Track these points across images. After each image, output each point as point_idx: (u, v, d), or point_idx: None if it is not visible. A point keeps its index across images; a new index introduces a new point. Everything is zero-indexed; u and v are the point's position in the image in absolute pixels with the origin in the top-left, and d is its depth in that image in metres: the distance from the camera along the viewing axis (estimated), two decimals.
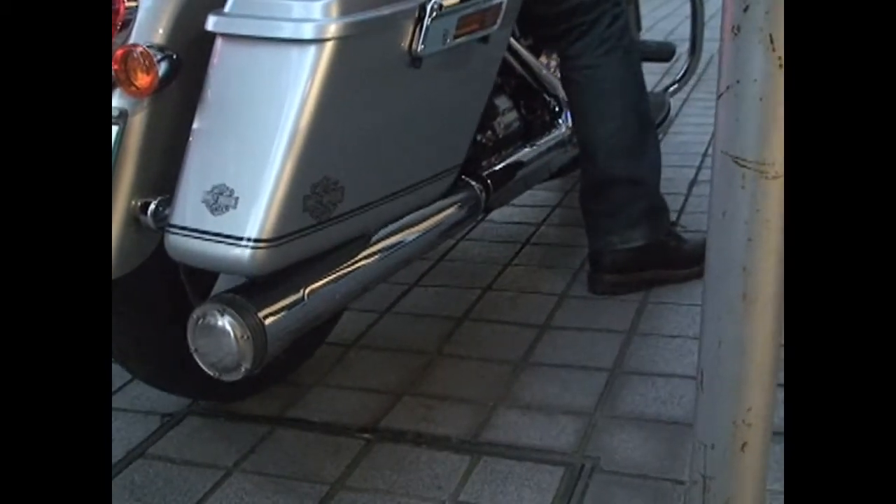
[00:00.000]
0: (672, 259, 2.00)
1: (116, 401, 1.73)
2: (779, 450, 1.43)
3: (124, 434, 1.62)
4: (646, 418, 1.58)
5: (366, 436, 1.58)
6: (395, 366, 1.79)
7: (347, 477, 1.48)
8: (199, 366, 1.27)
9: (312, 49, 1.20)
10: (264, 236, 1.20)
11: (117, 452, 1.56)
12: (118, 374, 1.77)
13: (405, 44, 1.32)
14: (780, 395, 1.52)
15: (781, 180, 0.79)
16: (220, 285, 1.37)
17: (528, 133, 1.97)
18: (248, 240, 1.20)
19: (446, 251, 2.29)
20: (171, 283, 1.47)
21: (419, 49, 1.33)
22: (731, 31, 0.79)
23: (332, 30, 1.21)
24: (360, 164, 1.33)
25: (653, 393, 1.65)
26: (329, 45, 1.21)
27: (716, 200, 0.84)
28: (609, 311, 1.95)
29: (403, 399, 1.68)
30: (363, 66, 1.27)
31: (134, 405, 1.71)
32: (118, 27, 1.27)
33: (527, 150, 1.92)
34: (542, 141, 1.97)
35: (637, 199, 1.97)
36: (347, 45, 1.22)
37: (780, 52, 0.77)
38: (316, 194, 1.25)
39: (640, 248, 1.98)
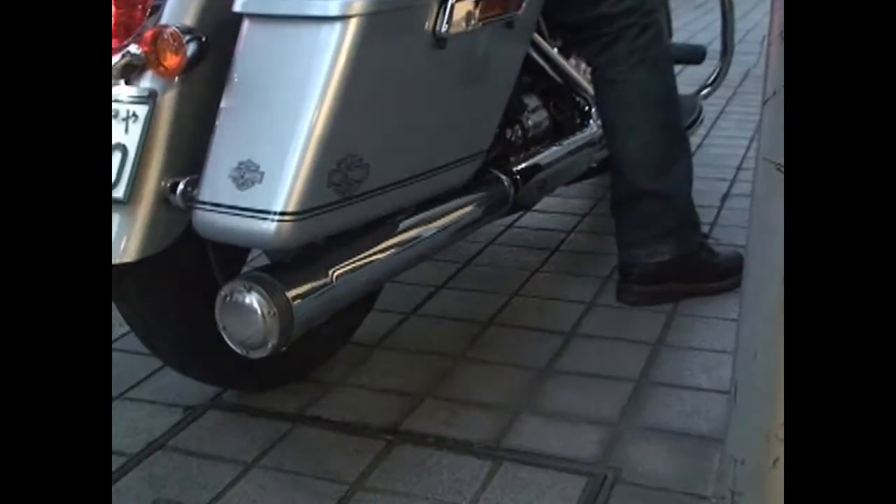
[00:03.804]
0: (703, 272, 1.98)
1: (139, 392, 1.72)
2: None
3: (145, 425, 1.61)
4: (671, 431, 1.56)
5: (387, 437, 1.57)
6: (418, 368, 1.78)
7: (367, 477, 1.46)
8: (228, 351, 1.28)
9: (338, 26, 1.22)
10: (290, 209, 1.21)
11: (138, 443, 1.56)
12: (142, 365, 1.78)
13: (429, 24, 1.34)
14: None
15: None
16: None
17: (557, 131, 1.97)
18: (274, 213, 1.21)
19: (474, 255, 2.27)
20: (200, 263, 1.48)
21: (443, 30, 1.34)
22: (778, 36, 0.77)
23: (358, 7, 1.22)
24: (384, 142, 1.34)
25: (678, 406, 1.63)
26: (354, 22, 1.22)
27: (756, 209, 0.82)
28: (637, 321, 1.93)
29: (426, 402, 1.67)
30: (388, 43, 1.29)
31: (156, 397, 1.70)
32: (148, 10, 1.29)
33: (556, 148, 1.92)
34: (572, 140, 1.98)
35: (665, 214, 1.95)
36: (372, 22, 1.24)
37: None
38: (341, 170, 1.26)
39: (669, 262, 1.96)
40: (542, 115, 1.94)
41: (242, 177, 1.23)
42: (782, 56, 0.77)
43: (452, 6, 1.35)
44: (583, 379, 1.73)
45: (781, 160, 0.77)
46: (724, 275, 1.98)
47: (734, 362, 0.85)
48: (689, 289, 1.98)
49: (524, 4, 1.53)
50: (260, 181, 1.22)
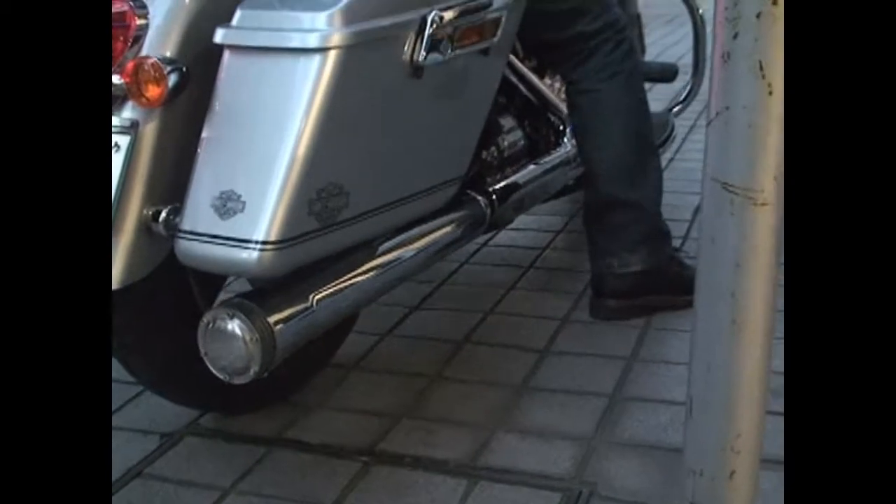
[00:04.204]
0: (674, 285, 2.00)
1: (116, 420, 1.72)
2: (769, 477, 1.43)
3: (123, 453, 1.61)
4: (645, 445, 1.57)
5: (364, 458, 1.57)
6: (394, 388, 1.79)
7: (344, 499, 1.47)
8: (208, 373, 1.29)
9: (317, 58, 1.24)
10: (271, 239, 1.23)
11: (115, 471, 1.56)
12: (118, 392, 1.78)
13: (407, 54, 1.36)
14: (769, 422, 1.52)
15: (770, 207, 0.79)
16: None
17: (532, 151, 2.00)
18: (256, 242, 1.23)
19: (449, 274, 2.29)
20: (182, 290, 1.50)
21: (420, 59, 1.36)
22: (721, 57, 0.79)
23: (336, 39, 1.24)
24: (364, 170, 1.36)
25: (653, 419, 1.64)
26: (333, 54, 1.24)
27: (705, 226, 0.84)
28: (611, 336, 1.95)
29: (402, 422, 1.68)
30: (366, 74, 1.31)
31: (133, 424, 1.70)
32: (129, 42, 1.31)
33: (531, 167, 1.94)
34: (547, 159, 2.00)
35: (636, 224, 1.98)
36: (351, 54, 1.26)
37: (770, 78, 0.77)
38: (321, 199, 1.28)
39: (641, 273, 1.98)
40: (517, 135, 1.96)
41: (224, 206, 1.24)
42: (724, 78, 0.79)
43: (429, 36, 1.36)
44: (558, 395, 1.74)
45: (727, 179, 0.80)
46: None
47: (689, 377, 0.87)
48: (661, 301, 2.00)
49: (499, 31, 1.55)
50: (242, 210, 1.24)
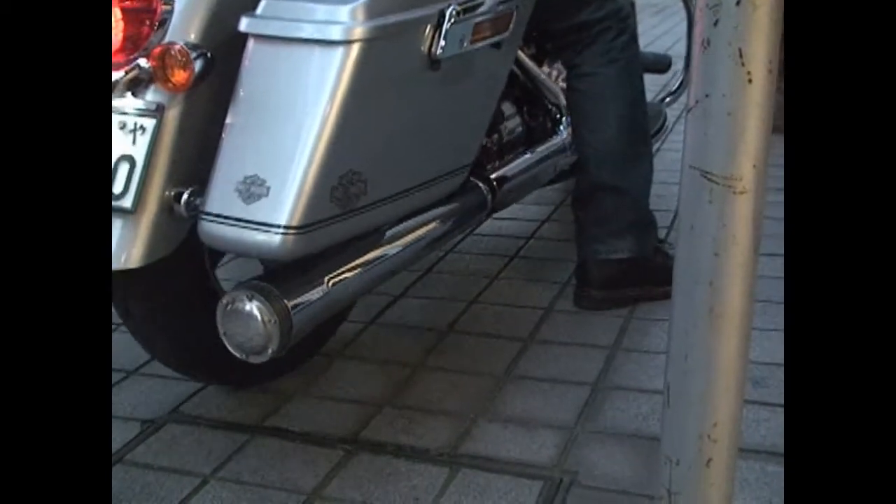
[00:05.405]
0: (658, 276, 2.00)
1: None
2: (751, 467, 1.43)
3: None
4: (626, 434, 1.58)
5: (345, 446, 1.57)
6: (377, 377, 1.79)
7: (325, 487, 1.47)
8: (221, 350, 1.33)
9: (340, 50, 1.28)
10: (294, 223, 1.27)
11: None
12: None
13: (425, 47, 1.40)
14: (750, 412, 1.52)
15: (749, 195, 0.79)
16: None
17: (531, 138, 2.03)
18: (279, 227, 1.27)
19: (434, 263, 2.29)
20: (197, 269, 1.55)
21: (438, 52, 1.41)
22: (701, 44, 0.79)
23: (359, 32, 1.28)
24: (382, 158, 1.40)
25: (634, 408, 1.65)
26: (355, 47, 1.28)
27: (684, 215, 0.84)
28: (594, 326, 1.95)
29: (384, 410, 1.68)
30: (386, 67, 1.35)
31: (115, 411, 1.70)
32: (155, 26, 1.34)
33: (530, 154, 1.98)
34: (545, 146, 2.03)
35: (623, 210, 1.99)
36: (372, 46, 1.30)
37: (750, 66, 0.77)
38: (342, 186, 1.32)
39: (626, 262, 1.98)
40: (517, 122, 2.00)
41: (248, 190, 1.28)
42: (704, 66, 0.79)
43: (447, 31, 1.41)
44: (540, 384, 1.74)
45: (706, 167, 0.80)
46: None
47: (666, 365, 0.87)
48: (644, 293, 2.01)
49: (511, 26, 1.60)
50: (266, 195, 1.28)
